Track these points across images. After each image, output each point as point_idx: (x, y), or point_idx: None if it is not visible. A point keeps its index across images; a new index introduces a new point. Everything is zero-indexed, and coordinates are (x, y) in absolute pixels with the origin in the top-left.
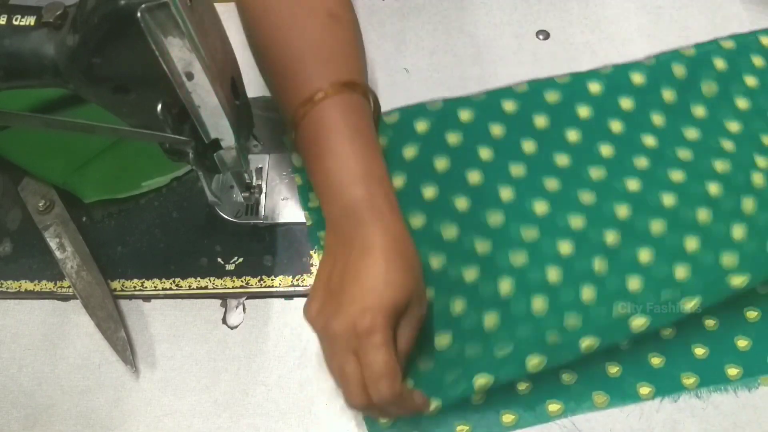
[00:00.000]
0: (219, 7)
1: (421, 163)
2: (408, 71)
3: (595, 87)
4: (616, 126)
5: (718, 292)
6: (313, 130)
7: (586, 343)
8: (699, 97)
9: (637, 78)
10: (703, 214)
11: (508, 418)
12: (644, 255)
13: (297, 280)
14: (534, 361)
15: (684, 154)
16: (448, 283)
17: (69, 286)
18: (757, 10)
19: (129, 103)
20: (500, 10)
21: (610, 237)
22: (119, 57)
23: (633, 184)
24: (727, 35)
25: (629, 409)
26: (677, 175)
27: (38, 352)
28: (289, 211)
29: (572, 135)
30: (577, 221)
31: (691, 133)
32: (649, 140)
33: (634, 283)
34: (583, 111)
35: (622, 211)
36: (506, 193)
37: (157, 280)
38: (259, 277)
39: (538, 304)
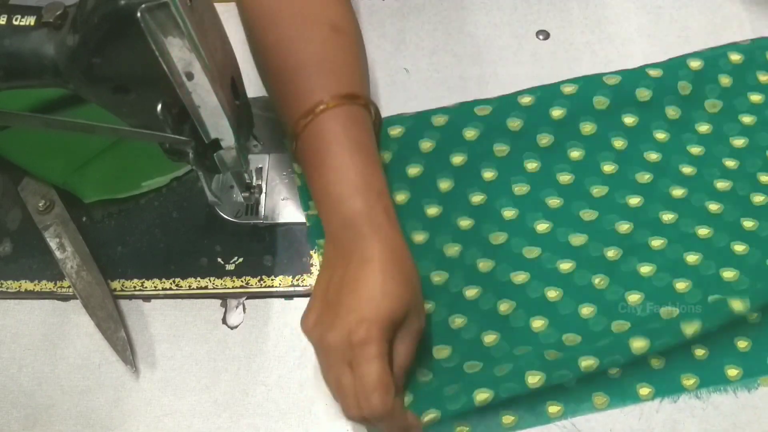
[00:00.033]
0: (219, 7)
1: (424, 182)
2: (408, 71)
3: (600, 101)
4: (618, 142)
5: (720, 313)
6: (314, 142)
7: (586, 363)
8: (703, 114)
9: (642, 93)
10: (703, 230)
11: (508, 419)
12: (644, 270)
13: (297, 280)
14: (534, 379)
15: (687, 170)
16: (448, 299)
17: (69, 286)
18: (758, 11)
19: (129, 103)
20: (500, 10)
21: (611, 253)
22: (119, 57)
23: (634, 200)
24: (732, 43)
25: (629, 410)
26: (678, 191)
27: (38, 352)
28: (289, 211)
29: (575, 152)
30: (578, 239)
31: (695, 149)
32: (652, 156)
33: (633, 298)
34: (587, 127)
35: (623, 227)
36: (509, 213)
37: (157, 280)
38: (259, 277)
39: (538, 321)
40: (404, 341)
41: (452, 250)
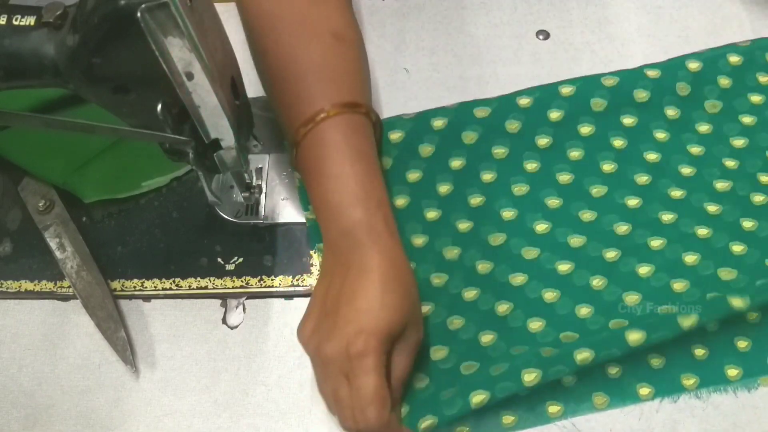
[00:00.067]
0: (219, 7)
1: (424, 186)
2: (408, 71)
3: (597, 103)
4: (618, 142)
5: (718, 309)
6: (314, 150)
7: (582, 355)
8: (703, 114)
9: (640, 94)
10: (702, 230)
11: (507, 419)
12: (643, 270)
13: (297, 280)
14: (530, 377)
15: (686, 170)
16: (448, 300)
17: (69, 286)
18: (758, 11)
19: (129, 103)
20: (500, 10)
21: (610, 254)
22: (119, 57)
23: (633, 201)
24: (732, 44)
25: (629, 409)
26: (678, 192)
27: (38, 352)
28: (289, 211)
29: (574, 152)
30: (576, 240)
31: (695, 149)
32: (652, 155)
33: (631, 298)
34: (585, 129)
35: (622, 228)
36: (508, 213)
37: (157, 280)
38: (259, 277)
39: (536, 322)
40: (402, 353)
41: (452, 252)
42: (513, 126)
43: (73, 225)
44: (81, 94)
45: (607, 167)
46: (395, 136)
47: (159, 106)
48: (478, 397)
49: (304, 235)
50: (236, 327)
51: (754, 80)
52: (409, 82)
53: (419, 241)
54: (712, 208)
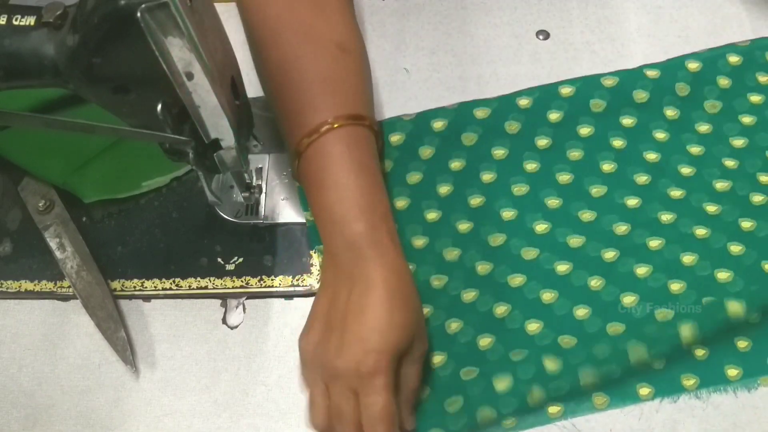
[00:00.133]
0: (219, 7)
1: (424, 188)
2: (408, 71)
3: (597, 104)
4: (618, 142)
5: (717, 316)
6: (317, 161)
7: (587, 380)
8: (703, 114)
9: (640, 95)
10: (701, 231)
11: (508, 420)
12: (641, 271)
13: (297, 280)
14: (535, 395)
15: (686, 170)
16: (447, 302)
17: (69, 286)
18: (758, 11)
19: (129, 103)
20: (500, 10)
21: (608, 254)
22: (119, 57)
23: (633, 201)
24: (731, 44)
25: (629, 410)
26: (677, 192)
27: (38, 352)
28: (289, 211)
29: (574, 152)
30: (576, 240)
31: (695, 149)
32: (651, 155)
33: (628, 299)
34: (585, 130)
35: (621, 228)
36: (508, 213)
37: (157, 280)
38: (259, 277)
39: (533, 324)
40: (411, 366)
41: (452, 254)
42: (513, 127)
43: (73, 225)
44: (81, 94)
45: (607, 167)
46: (395, 138)
47: (159, 106)
48: (484, 414)
49: (304, 235)
50: (236, 327)
51: (753, 80)
52: (409, 82)
53: (419, 242)
54: (711, 208)
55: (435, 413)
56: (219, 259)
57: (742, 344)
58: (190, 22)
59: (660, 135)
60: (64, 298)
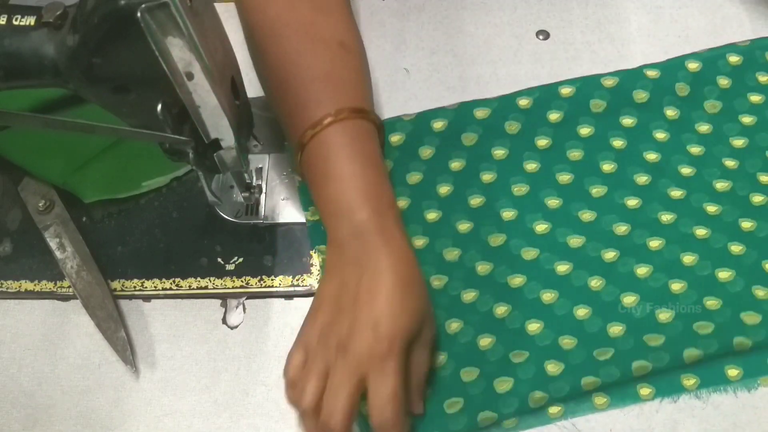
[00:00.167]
0: (219, 7)
1: (424, 188)
2: (408, 71)
3: (597, 104)
4: (618, 142)
5: (717, 316)
6: (322, 152)
7: (588, 381)
8: (703, 114)
9: (640, 95)
10: (701, 231)
11: (508, 420)
12: (641, 271)
13: (297, 280)
14: (536, 396)
15: (686, 170)
16: (446, 303)
17: (69, 286)
18: (758, 11)
19: (129, 103)
20: (500, 10)
21: (608, 254)
22: (119, 57)
23: (633, 202)
24: (731, 44)
25: (629, 410)
26: (677, 192)
27: (38, 352)
28: (289, 211)
29: (574, 152)
30: (576, 240)
31: (695, 149)
32: (651, 155)
33: (629, 299)
34: (585, 130)
35: (621, 228)
36: (508, 213)
37: (157, 280)
38: (259, 277)
39: (534, 324)
40: (421, 352)
41: (452, 254)
42: (513, 127)
43: (73, 225)
44: (81, 94)
45: (607, 167)
46: (395, 138)
47: (159, 106)
48: (485, 417)
49: (304, 235)
50: (236, 327)
51: (753, 80)
52: (409, 82)
53: (420, 242)
54: (711, 208)
55: (435, 414)
56: (219, 259)
57: (742, 344)
58: (190, 22)
59: (660, 135)
60: (64, 298)
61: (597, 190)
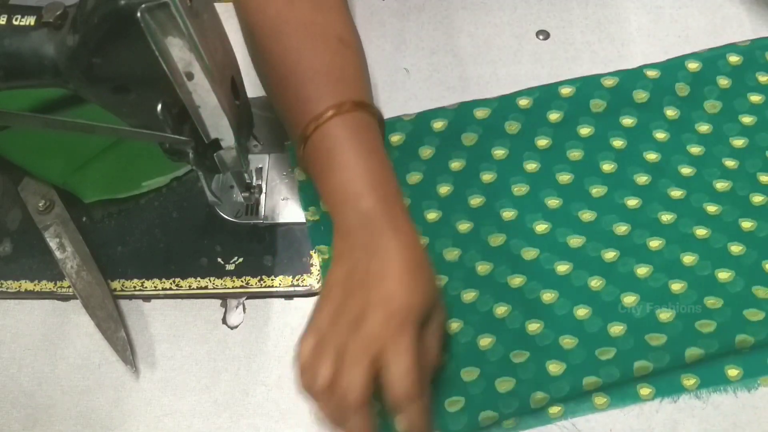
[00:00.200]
0: (219, 7)
1: (424, 188)
2: (408, 71)
3: (597, 104)
4: (618, 142)
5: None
6: (325, 144)
7: (588, 381)
8: (703, 114)
9: (640, 95)
10: (701, 231)
11: (508, 420)
12: (641, 271)
13: (297, 280)
14: (536, 396)
15: (686, 170)
16: (447, 302)
17: (69, 286)
18: (758, 11)
19: (129, 103)
20: (500, 10)
21: (608, 254)
22: (119, 57)
23: (633, 202)
24: (731, 43)
25: (629, 410)
26: (678, 192)
27: (38, 352)
28: (289, 211)
29: (574, 152)
30: (576, 240)
31: (695, 149)
32: (651, 155)
33: (629, 299)
34: (585, 130)
35: (621, 228)
36: (508, 213)
37: (157, 280)
38: (259, 277)
39: (534, 324)
40: (433, 334)
41: (452, 254)
42: (513, 127)
43: (73, 225)
44: (81, 94)
45: (607, 167)
46: (395, 138)
47: (159, 106)
48: (485, 416)
49: (304, 235)
50: (236, 327)
51: (753, 80)
52: (409, 82)
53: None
54: (711, 208)
55: (436, 413)
56: (219, 259)
57: (742, 344)
58: (190, 22)
59: (660, 135)
60: (64, 298)
61: (597, 190)
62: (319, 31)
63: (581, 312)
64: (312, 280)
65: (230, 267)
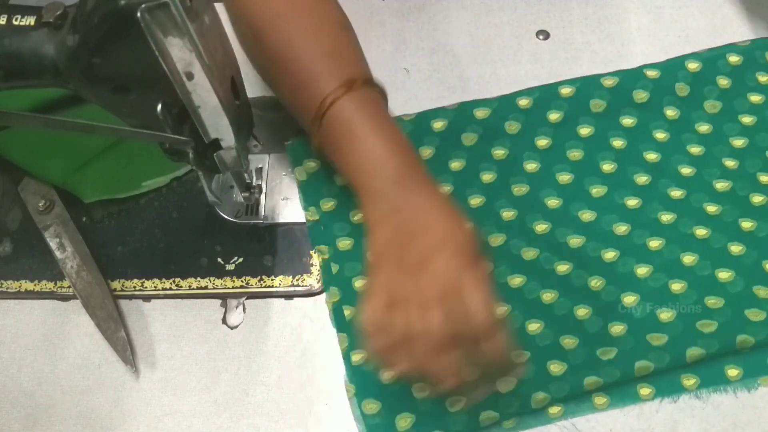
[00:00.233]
0: (219, 7)
1: None
2: (408, 71)
3: (597, 104)
4: (618, 142)
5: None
6: (344, 117)
7: (589, 381)
8: (703, 114)
9: (640, 95)
10: (701, 231)
11: (508, 420)
12: (641, 271)
13: (297, 280)
14: (537, 397)
15: (686, 170)
16: None
17: (69, 286)
18: (758, 11)
19: (129, 103)
20: (500, 10)
21: (608, 254)
22: (119, 57)
23: (633, 202)
24: (731, 44)
25: (629, 410)
26: (678, 192)
27: (38, 352)
28: (289, 211)
29: (574, 152)
30: (576, 240)
31: (695, 149)
32: (651, 155)
33: (629, 299)
34: (585, 130)
35: (621, 228)
36: (508, 214)
37: (157, 280)
38: (259, 277)
39: (534, 324)
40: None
41: None
42: (513, 127)
43: (73, 225)
44: (81, 94)
45: (607, 167)
46: None
47: (159, 106)
48: (486, 416)
49: (304, 235)
50: (236, 327)
51: (753, 80)
52: (409, 82)
53: None
54: (711, 208)
55: (437, 413)
56: (219, 259)
57: (742, 344)
58: (190, 22)
59: (660, 135)
60: (64, 298)
61: (597, 190)
62: (322, 17)
63: (581, 312)
64: (312, 280)
65: (230, 267)
